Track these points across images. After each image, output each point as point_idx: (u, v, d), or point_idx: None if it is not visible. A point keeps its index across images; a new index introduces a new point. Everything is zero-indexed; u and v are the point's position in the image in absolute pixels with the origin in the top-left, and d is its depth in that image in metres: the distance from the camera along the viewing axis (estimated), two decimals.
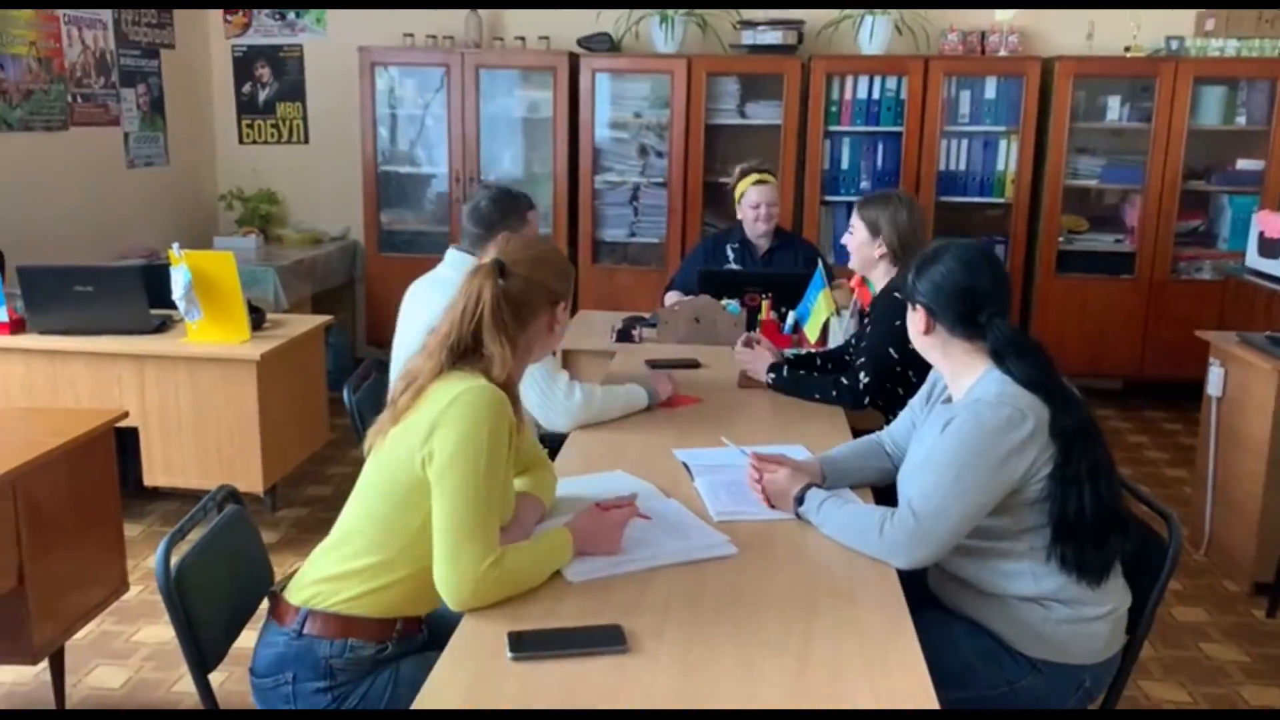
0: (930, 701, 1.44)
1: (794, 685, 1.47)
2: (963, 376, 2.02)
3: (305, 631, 1.78)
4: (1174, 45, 5.36)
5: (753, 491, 2.13)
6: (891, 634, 1.62)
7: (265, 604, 2.07)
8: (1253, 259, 4.84)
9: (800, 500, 2.06)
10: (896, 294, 2.80)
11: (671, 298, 4.01)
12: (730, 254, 4.15)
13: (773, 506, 2.10)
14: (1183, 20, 5.52)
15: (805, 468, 2.22)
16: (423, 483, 1.73)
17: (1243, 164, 5.43)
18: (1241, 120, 5.43)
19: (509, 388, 1.82)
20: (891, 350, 2.87)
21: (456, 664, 1.53)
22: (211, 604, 1.85)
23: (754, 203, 4.09)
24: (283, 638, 1.81)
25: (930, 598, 2.09)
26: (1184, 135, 5.31)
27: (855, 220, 3.04)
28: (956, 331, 2.00)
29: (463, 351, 1.81)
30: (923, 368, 2.84)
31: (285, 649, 1.80)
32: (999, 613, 1.95)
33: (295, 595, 1.83)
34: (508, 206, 2.94)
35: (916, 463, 2.03)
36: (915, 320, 2.07)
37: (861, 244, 3.02)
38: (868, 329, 2.99)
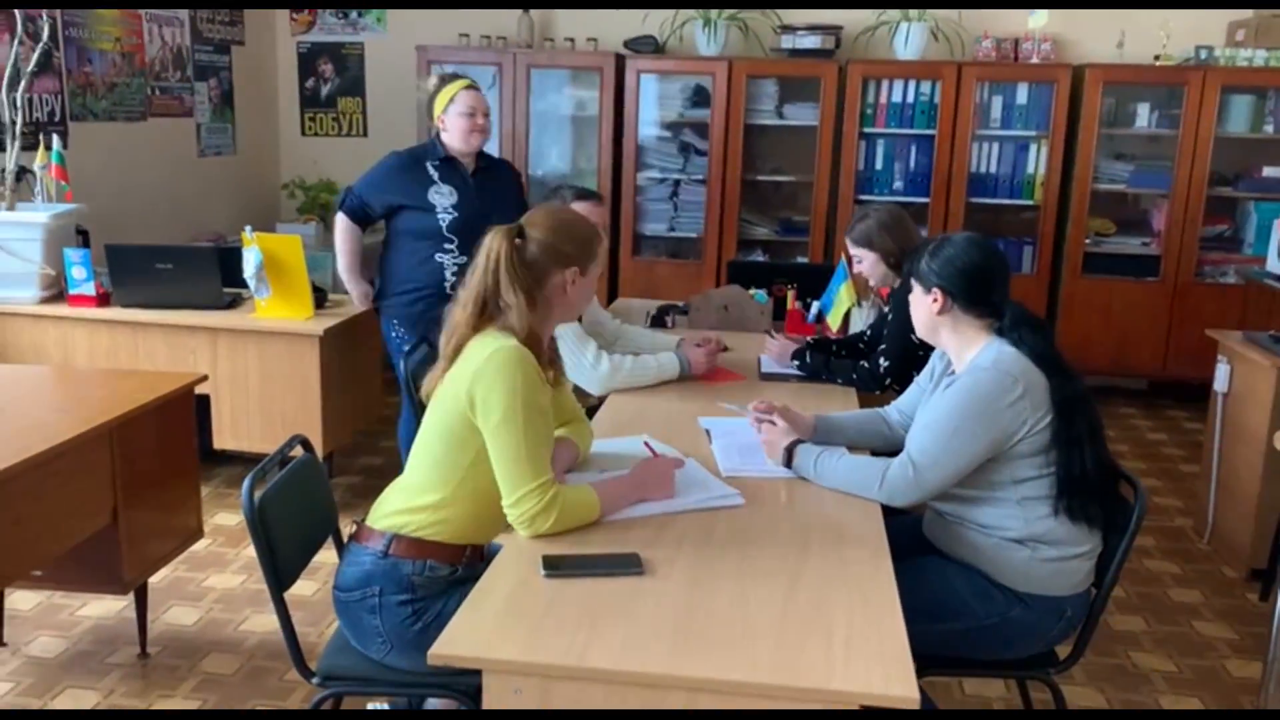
0: (898, 624, 1.68)
1: (783, 606, 1.73)
2: (967, 350, 2.27)
3: (390, 553, 2.06)
4: (1203, 54, 5.50)
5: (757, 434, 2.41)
6: (872, 568, 1.87)
7: (332, 539, 2.38)
8: (1273, 263, 4.95)
9: (790, 454, 2.32)
10: None
11: (340, 222, 3.77)
12: (433, 171, 3.70)
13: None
14: (1213, 30, 5.67)
15: (799, 420, 2.49)
16: (469, 427, 2.01)
17: (1269, 171, 5.56)
18: (1269, 128, 5.56)
19: (538, 345, 2.07)
20: (913, 337, 3.10)
21: (499, 578, 1.81)
22: (287, 533, 2.13)
23: (468, 108, 3.63)
24: (369, 557, 2.08)
25: (927, 545, 2.35)
26: (1211, 142, 5.47)
27: (855, 250, 3.27)
28: (969, 310, 2.24)
29: (487, 306, 2.07)
30: None
31: (373, 567, 2.07)
32: (990, 554, 2.20)
33: (379, 523, 2.11)
34: (551, 196, 3.23)
35: (922, 422, 2.28)
36: (925, 302, 2.29)
37: (873, 264, 3.27)
38: (888, 319, 3.22)
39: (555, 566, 1.81)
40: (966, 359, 2.27)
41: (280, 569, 2.08)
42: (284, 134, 6.59)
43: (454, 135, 3.68)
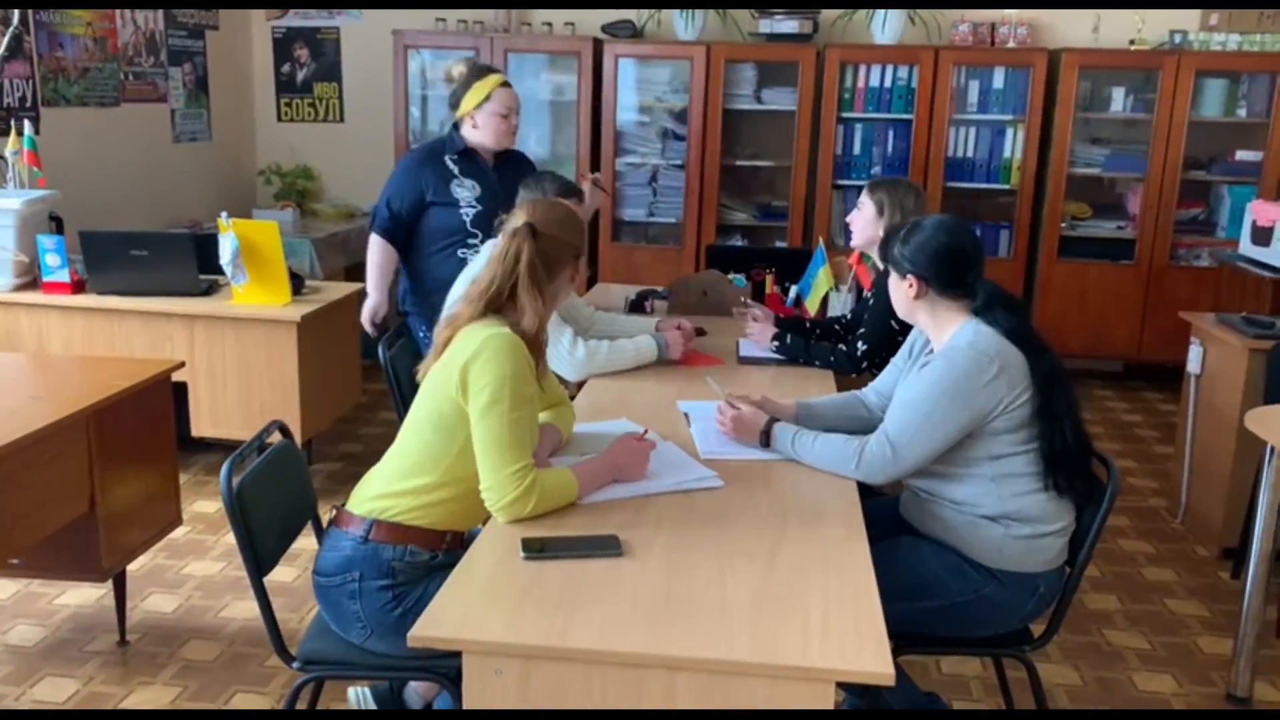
0: (874, 602, 1.70)
1: (760, 585, 1.74)
2: (945, 331, 2.28)
3: (370, 538, 2.07)
4: (1178, 39, 5.55)
5: (719, 427, 2.42)
6: (848, 548, 1.89)
7: (311, 524, 2.38)
8: (1245, 246, 5.03)
9: (767, 434, 2.35)
10: None
11: (373, 242, 3.68)
12: (453, 165, 3.66)
13: (741, 441, 2.39)
14: (1187, 15, 5.71)
15: (780, 407, 2.50)
16: (459, 413, 2.02)
17: (1242, 155, 5.62)
18: (1242, 113, 5.62)
19: (536, 336, 2.10)
20: (893, 322, 3.11)
21: (478, 560, 1.82)
22: (266, 518, 2.13)
23: (504, 109, 3.62)
24: (349, 542, 2.09)
25: (903, 525, 2.37)
26: (1185, 126, 5.51)
27: (864, 199, 3.22)
28: (945, 292, 2.26)
29: (497, 302, 2.10)
30: None
31: (352, 552, 2.08)
32: (964, 531, 2.22)
33: (358, 507, 2.12)
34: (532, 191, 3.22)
35: (899, 401, 2.29)
36: (902, 288, 2.31)
37: (867, 221, 3.20)
38: (869, 303, 3.22)
39: (534, 549, 1.82)
40: (944, 339, 2.29)
41: (259, 554, 2.08)
42: (260, 120, 6.54)
43: (485, 133, 3.64)
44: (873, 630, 1.60)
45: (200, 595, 3.33)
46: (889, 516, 2.40)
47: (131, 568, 3.20)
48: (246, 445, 2.18)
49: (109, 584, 3.02)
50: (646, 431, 2.27)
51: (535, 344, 2.13)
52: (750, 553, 1.85)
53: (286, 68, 6.45)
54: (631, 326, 3.34)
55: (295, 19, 6.37)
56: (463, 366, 2.00)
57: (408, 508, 2.08)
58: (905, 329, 3.09)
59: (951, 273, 2.25)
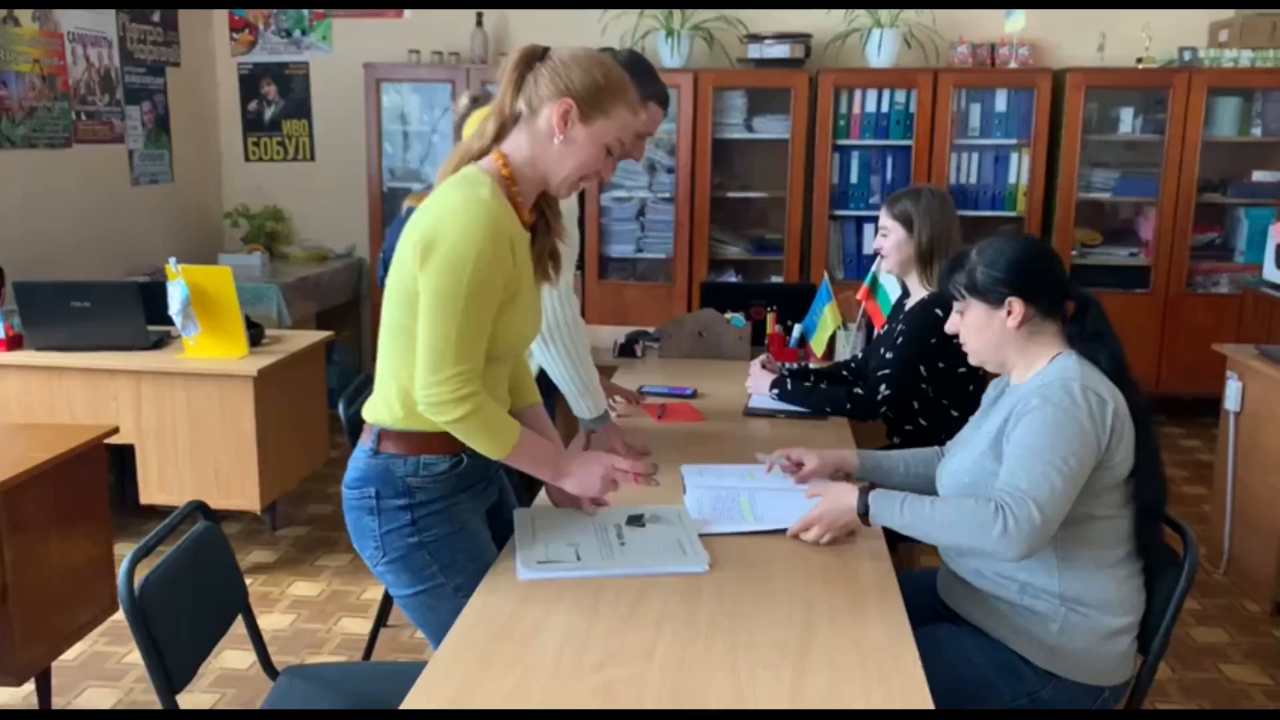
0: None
1: (790, 703, 1.39)
2: (1036, 363, 1.93)
3: (381, 450, 1.82)
4: (1187, 56, 5.29)
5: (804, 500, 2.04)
6: (892, 650, 1.54)
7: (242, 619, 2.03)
8: (1270, 271, 4.73)
9: (865, 508, 1.91)
10: (938, 310, 2.70)
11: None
12: None
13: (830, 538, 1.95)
14: (1196, 31, 5.46)
15: (841, 458, 2.22)
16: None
17: (1259, 175, 5.36)
18: (1257, 131, 5.36)
19: (516, 188, 1.79)
20: (922, 368, 2.78)
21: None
22: (179, 623, 1.78)
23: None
24: (363, 454, 1.85)
25: (938, 613, 2.01)
26: (1198, 147, 5.24)
27: (886, 220, 2.88)
28: (1049, 316, 1.92)
29: (501, 130, 1.80)
30: (950, 389, 2.78)
31: (366, 467, 1.84)
32: (1016, 621, 1.87)
33: (369, 414, 1.86)
34: None
35: (979, 451, 1.93)
36: (995, 319, 1.93)
37: (899, 242, 2.85)
38: (896, 340, 2.87)
39: None
40: (1032, 372, 1.92)
41: (170, 668, 1.72)
42: (226, 159, 6.22)
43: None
44: None
45: (143, 688, 2.96)
46: (924, 598, 2.04)
47: (67, 656, 2.85)
48: (154, 534, 1.83)
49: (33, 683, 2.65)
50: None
51: (516, 196, 1.79)
52: (775, 664, 1.49)
53: (254, 105, 6.15)
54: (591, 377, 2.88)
55: (262, 54, 6.08)
56: (422, 231, 1.69)
57: (405, 409, 1.79)
58: (934, 372, 2.77)
59: (1055, 288, 1.92)
